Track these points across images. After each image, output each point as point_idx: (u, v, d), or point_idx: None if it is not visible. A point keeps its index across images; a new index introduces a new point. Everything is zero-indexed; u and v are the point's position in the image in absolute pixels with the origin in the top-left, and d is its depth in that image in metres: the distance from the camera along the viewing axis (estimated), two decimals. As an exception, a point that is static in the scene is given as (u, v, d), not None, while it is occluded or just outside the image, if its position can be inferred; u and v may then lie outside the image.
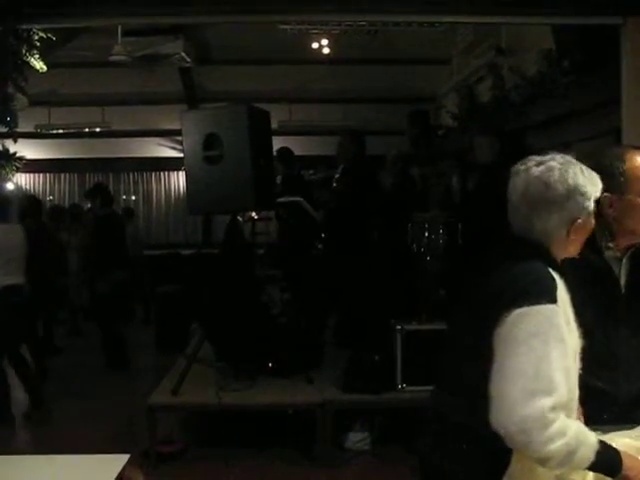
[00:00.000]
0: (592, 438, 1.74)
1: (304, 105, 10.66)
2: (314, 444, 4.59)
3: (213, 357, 5.28)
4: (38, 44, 3.67)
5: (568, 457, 1.68)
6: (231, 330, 5.02)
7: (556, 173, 1.84)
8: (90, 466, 2.35)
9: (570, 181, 1.84)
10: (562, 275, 1.83)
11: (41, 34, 3.71)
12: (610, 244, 2.17)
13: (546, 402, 1.65)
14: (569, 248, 1.92)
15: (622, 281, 2.18)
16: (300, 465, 4.56)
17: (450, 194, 7.06)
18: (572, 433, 1.68)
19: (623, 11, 3.69)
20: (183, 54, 7.88)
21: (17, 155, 10.12)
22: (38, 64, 3.68)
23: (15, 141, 3.57)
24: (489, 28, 7.27)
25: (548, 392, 1.66)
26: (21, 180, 12.21)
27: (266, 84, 9.95)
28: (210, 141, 4.68)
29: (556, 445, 1.65)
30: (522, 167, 1.90)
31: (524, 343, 1.69)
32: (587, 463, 1.72)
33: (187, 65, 8.41)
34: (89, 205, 8.67)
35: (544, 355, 1.68)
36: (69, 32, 4.08)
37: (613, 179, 2.10)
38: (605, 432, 1.96)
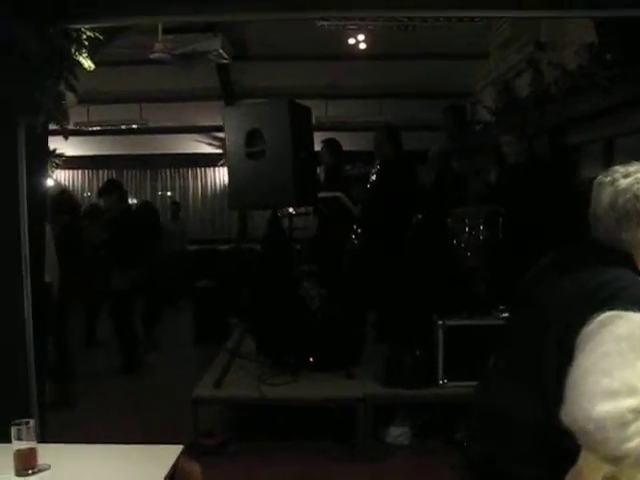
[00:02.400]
0: None
1: (340, 101, 10.65)
2: (354, 438, 4.62)
3: (254, 351, 5.34)
4: (87, 43, 3.75)
5: None
6: (273, 325, 5.07)
7: None
8: (144, 456, 2.41)
9: None
10: None
11: (89, 33, 3.78)
12: None
13: (627, 403, 1.60)
14: None
15: None
16: (340, 459, 4.60)
17: (488, 189, 7.03)
18: None
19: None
20: (221, 51, 7.95)
21: (57, 152, 10.26)
22: (86, 63, 3.75)
23: (66, 138, 3.65)
24: (528, 22, 7.19)
25: (630, 395, 1.61)
26: (60, 177, 12.42)
27: (302, 80, 9.97)
28: (252, 137, 4.72)
29: (633, 443, 1.60)
30: (607, 179, 1.89)
31: (612, 344, 1.65)
32: None
33: (225, 62, 8.49)
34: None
35: (631, 362, 1.64)
36: (114, 31, 4.13)
37: None
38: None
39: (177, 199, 12.73)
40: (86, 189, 12.85)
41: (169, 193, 13.09)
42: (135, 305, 7.36)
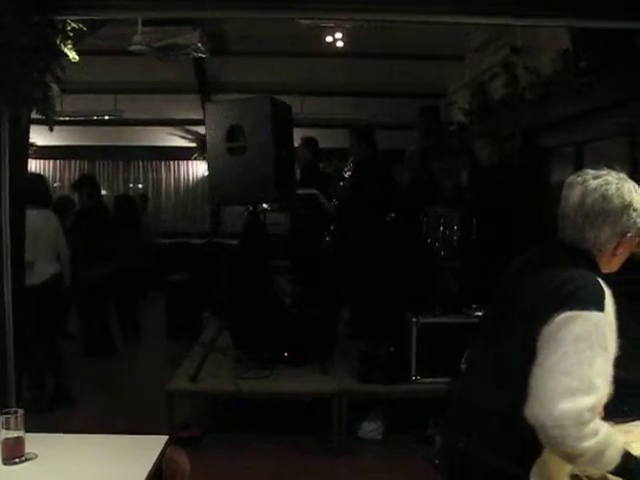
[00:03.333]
0: (619, 442, 1.80)
1: (316, 98, 10.68)
2: (329, 432, 4.68)
3: (229, 345, 5.38)
4: (71, 34, 3.74)
5: (597, 456, 1.73)
6: (248, 319, 5.12)
7: (613, 187, 1.93)
8: (131, 446, 2.43)
9: (626, 196, 1.93)
10: (608, 285, 1.90)
11: (73, 25, 3.78)
12: None
13: (585, 401, 1.70)
14: (613, 262, 2.01)
15: None
16: (315, 453, 4.67)
17: (459, 189, 7.15)
18: (603, 433, 1.74)
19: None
20: (199, 45, 7.93)
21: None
22: (71, 54, 3.75)
23: (51, 129, 3.64)
24: (504, 27, 7.30)
25: (588, 393, 1.71)
26: (31, 166, 12.25)
27: (279, 76, 9.97)
28: (233, 133, 4.76)
29: (589, 442, 1.70)
30: (578, 179, 1.98)
31: (571, 344, 1.74)
32: (613, 465, 1.78)
33: (202, 56, 8.48)
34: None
35: (588, 359, 1.73)
36: (97, 22, 4.12)
37: None
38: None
39: (149, 192, 12.67)
40: (57, 180, 12.69)
41: (140, 185, 13.00)
42: (103, 298, 7.31)
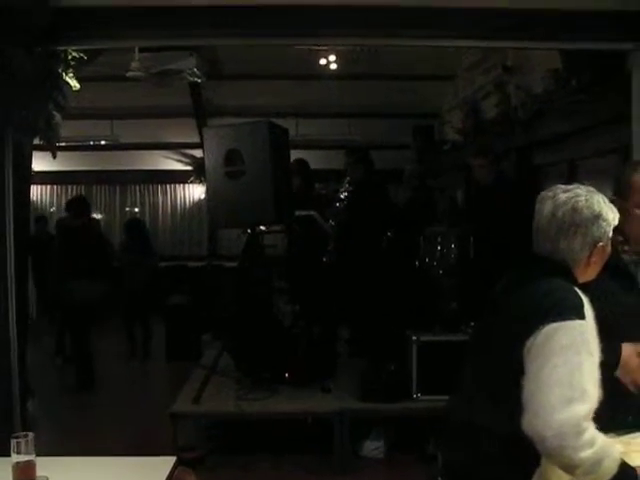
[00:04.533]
0: (617, 453, 1.85)
1: (311, 120, 10.75)
2: (331, 452, 4.69)
3: (230, 367, 5.40)
4: (73, 63, 3.83)
5: (595, 466, 1.78)
6: (248, 341, 5.15)
7: (582, 199, 2.02)
8: (140, 467, 2.46)
9: (595, 207, 2.02)
10: (585, 293, 1.97)
11: (74, 54, 3.86)
12: (625, 247, 2.36)
13: (581, 410, 1.76)
14: (589, 271, 2.08)
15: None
16: (318, 472, 4.66)
17: (455, 207, 7.22)
18: (600, 443, 1.79)
19: (633, 37, 3.84)
20: (195, 69, 8.02)
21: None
22: (72, 82, 3.84)
23: (54, 156, 3.72)
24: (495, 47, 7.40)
25: (582, 400, 1.76)
26: (28, 192, 12.27)
27: (273, 99, 10.03)
28: (231, 157, 4.82)
29: (586, 453, 1.75)
30: (549, 194, 2.08)
31: (559, 355, 1.81)
32: (610, 475, 1.81)
33: (198, 80, 8.57)
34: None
35: (577, 366, 1.80)
36: (97, 50, 4.22)
37: (621, 185, 2.39)
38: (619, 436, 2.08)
39: (146, 215, 12.70)
40: (54, 204, 12.72)
41: (136, 209, 13.04)
42: (86, 317, 7.24)
